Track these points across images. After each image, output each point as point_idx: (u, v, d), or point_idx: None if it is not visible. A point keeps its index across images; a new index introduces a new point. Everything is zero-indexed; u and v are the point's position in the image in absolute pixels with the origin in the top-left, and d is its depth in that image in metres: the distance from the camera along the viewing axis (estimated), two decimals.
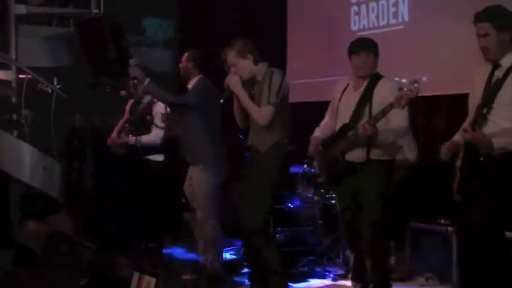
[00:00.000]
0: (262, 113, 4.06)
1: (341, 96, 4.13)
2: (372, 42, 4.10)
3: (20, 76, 5.89)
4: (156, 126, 5.14)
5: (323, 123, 4.30)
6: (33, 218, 5.16)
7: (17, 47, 6.17)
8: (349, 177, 3.99)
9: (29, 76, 5.87)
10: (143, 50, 6.96)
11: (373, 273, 4.01)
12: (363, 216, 3.96)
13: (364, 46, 4.03)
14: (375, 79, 4.00)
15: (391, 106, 3.67)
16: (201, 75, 4.96)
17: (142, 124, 5.36)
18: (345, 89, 4.13)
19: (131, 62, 5.48)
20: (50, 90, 5.92)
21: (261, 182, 4.12)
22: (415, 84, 3.58)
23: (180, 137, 4.99)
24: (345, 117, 4.02)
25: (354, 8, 5.95)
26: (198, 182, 4.82)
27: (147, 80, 4.67)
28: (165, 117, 4.95)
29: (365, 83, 4.01)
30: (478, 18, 3.36)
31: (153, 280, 3.83)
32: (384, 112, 3.72)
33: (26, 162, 5.43)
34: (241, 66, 4.14)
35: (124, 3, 6.75)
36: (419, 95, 3.60)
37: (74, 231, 5.19)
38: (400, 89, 3.67)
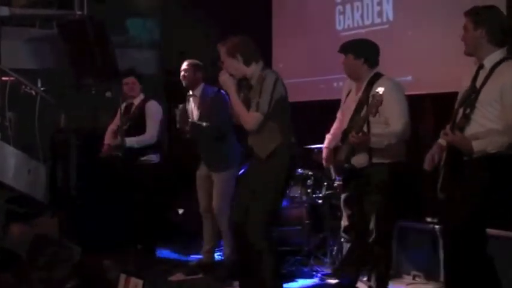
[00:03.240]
0: (249, 119, 3.92)
1: (346, 100, 4.18)
2: (347, 43, 4.12)
3: (3, 78, 5.84)
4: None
5: (333, 127, 4.34)
6: (18, 221, 5.13)
7: (0, 49, 6.12)
8: (355, 180, 4.04)
9: (12, 78, 5.82)
10: (128, 51, 6.93)
11: (374, 276, 4.10)
12: (371, 218, 4.00)
13: (341, 48, 4.09)
14: (372, 81, 4.00)
15: (367, 114, 3.75)
16: (203, 84, 5.11)
17: (137, 125, 5.35)
18: (349, 92, 4.16)
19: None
20: (34, 93, 5.88)
21: (264, 185, 3.96)
22: (379, 93, 3.66)
23: (203, 147, 5.07)
24: (347, 122, 4.07)
25: (339, 8, 5.95)
26: (221, 186, 4.92)
27: (189, 124, 4.84)
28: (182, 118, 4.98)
29: (363, 86, 4.02)
30: (465, 12, 3.44)
31: (140, 282, 3.81)
32: (364, 120, 3.79)
33: (11, 165, 5.40)
34: (229, 64, 3.98)
35: (108, 4, 6.72)
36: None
37: (59, 234, 5.16)
38: (373, 96, 3.71)
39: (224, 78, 3.98)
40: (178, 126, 4.99)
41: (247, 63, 3.95)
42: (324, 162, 4.30)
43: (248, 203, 3.98)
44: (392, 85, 3.94)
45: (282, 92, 3.96)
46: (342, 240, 4.51)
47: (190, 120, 4.95)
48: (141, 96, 5.51)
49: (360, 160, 3.97)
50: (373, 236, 4.01)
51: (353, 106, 4.03)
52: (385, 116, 3.83)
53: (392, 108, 3.82)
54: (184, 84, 5.13)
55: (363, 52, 4.04)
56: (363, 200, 4.02)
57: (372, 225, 4.01)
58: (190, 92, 5.15)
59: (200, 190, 5.17)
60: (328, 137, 4.32)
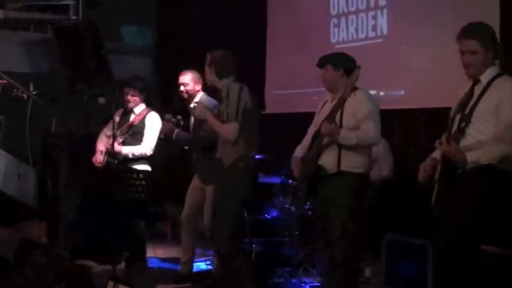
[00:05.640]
0: (226, 129, 4.26)
1: (320, 110, 4.20)
2: (325, 56, 4.13)
3: None
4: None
5: (304, 139, 4.32)
6: (6, 225, 5.09)
7: None
8: (322, 185, 4.00)
9: (4, 82, 5.80)
10: (122, 58, 6.93)
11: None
12: (331, 229, 3.97)
13: (319, 62, 4.11)
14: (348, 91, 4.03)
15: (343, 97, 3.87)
16: (203, 92, 5.09)
17: (134, 135, 5.33)
18: (324, 103, 4.19)
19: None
20: (25, 96, 5.86)
21: (227, 194, 4.27)
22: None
23: (196, 160, 5.03)
24: (317, 127, 4.07)
25: (334, 21, 5.98)
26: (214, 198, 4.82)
27: (175, 133, 4.84)
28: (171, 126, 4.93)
29: (339, 95, 4.05)
30: (468, 35, 3.36)
31: None
32: (338, 108, 3.87)
33: (0, 168, 5.36)
34: (206, 72, 4.42)
35: (102, 10, 6.72)
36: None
37: (47, 239, 5.13)
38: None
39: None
40: (161, 136, 4.99)
41: (219, 76, 4.35)
42: (293, 170, 4.25)
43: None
44: (368, 96, 4.01)
45: (248, 101, 4.25)
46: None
47: (176, 130, 4.89)
48: (142, 106, 5.49)
49: (327, 164, 3.94)
50: (337, 244, 3.96)
51: (326, 113, 4.04)
52: (357, 123, 3.87)
53: (364, 114, 3.86)
54: (185, 97, 5.07)
55: (341, 63, 4.07)
56: (331, 209, 3.97)
57: (336, 234, 3.95)
58: (192, 105, 5.03)
59: (189, 199, 5.12)
60: (298, 147, 4.29)
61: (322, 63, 4.10)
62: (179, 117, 4.97)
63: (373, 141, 3.98)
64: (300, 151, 4.24)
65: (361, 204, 3.99)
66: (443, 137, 3.38)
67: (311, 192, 4.09)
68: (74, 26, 6.23)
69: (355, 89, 4.06)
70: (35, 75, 6.41)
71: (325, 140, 3.91)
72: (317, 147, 3.97)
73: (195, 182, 5.09)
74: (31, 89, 6.09)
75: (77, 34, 6.00)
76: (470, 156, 3.22)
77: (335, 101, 4.04)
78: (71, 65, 6.10)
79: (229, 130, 4.24)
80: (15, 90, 5.85)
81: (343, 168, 3.92)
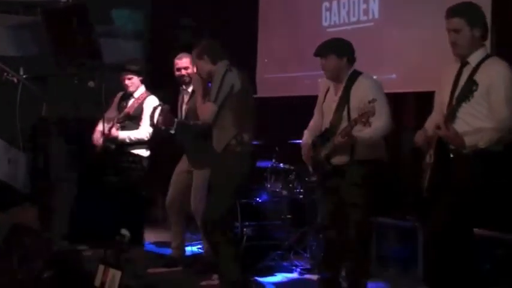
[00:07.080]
0: (203, 109, 4.26)
1: (325, 98, 4.18)
2: (326, 44, 4.07)
3: None
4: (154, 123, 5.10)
5: (311, 123, 4.32)
6: None
7: None
8: (335, 178, 4.03)
9: None
10: (112, 41, 6.88)
11: (352, 274, 4.11)
12: (349, 216, 4.01)
13: (319, 51, 4.05)
14: (351, 79, 4.02)
15: (355, 121, 3.76)
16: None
17: (133, 119, 5.31)
18: (327, 90, 4.16)
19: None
20: (15, 80, 5.82)
21: (219, 181, 4.25)
22: (373, 104, 3.69)
23: (189, 144, 4.98)
24: (328, 121, 4.08)
25: (326, 4, 5.95)
26: (202, 184, 4.81)
27: (175, 124, 4.76)
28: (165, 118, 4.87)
29: (343, 85, 4.03)
30: (452, 13, 3.36)
31: (118, 273, 3.80)
32: (351, 125, 3.80)
33: None
34: (199, 66, 4.40)
35: None
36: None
37: (38, 224, 5.11)
38: (365, 105, 3.70)
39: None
40: (162, 127, 4.89)
41: (213, 62, 4.31)
42: (304, 158, 4.30)
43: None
44: (373, 83, 4.01)
45: (235, 84, 4.19)
46: (321, 236, 4.54)
47: (176, 119, 4.85)
48: (142, 90, 5.47)
49: (341, 158, 3.99)
50: (354, 233, 4.02)
51: (333, 105, 4.04)
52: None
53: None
54: (187, 81, 5.00)
55: (344, 51, 4.03)
56: (344, 196, 4.03)
57: (352, 221, 4.02)
58: (184, 87, 5.06)
59: (174, 183, 5.10)
60: (305, 132, 4.31)
61: (324, 52, 4.03)
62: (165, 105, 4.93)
63: (387, 130, 3.96)
64: (308, 137, 4.24)
65: (376, 189, 4.05)
66: (439, 119, 3.36)
67: (325, 184, 4.16)
68: (64, 9, 6.16)
69: (357, 73, 4.04)
70: (25, 59, 6.36)
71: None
72: (329, 148, 3.97)
73: (183, 166, 5.07)
74: (21, 72, 6.04)
75: (67, 17, 5.93)
76: (469, 141, 3.21)
77: (339, 93, 4.03)
78: (61, 48, 6.05)
79: (205, 110, 4.23)
80: (5, 74, 5.81)
81: (356, 157, 3.95)
